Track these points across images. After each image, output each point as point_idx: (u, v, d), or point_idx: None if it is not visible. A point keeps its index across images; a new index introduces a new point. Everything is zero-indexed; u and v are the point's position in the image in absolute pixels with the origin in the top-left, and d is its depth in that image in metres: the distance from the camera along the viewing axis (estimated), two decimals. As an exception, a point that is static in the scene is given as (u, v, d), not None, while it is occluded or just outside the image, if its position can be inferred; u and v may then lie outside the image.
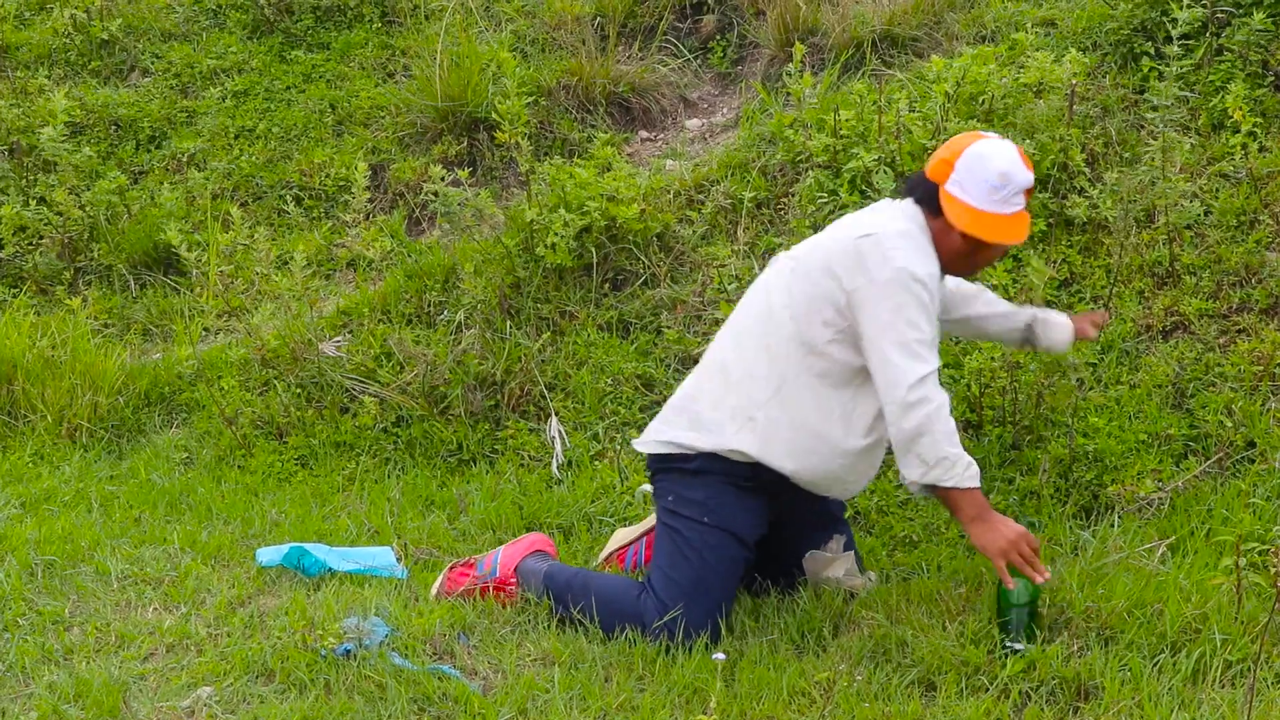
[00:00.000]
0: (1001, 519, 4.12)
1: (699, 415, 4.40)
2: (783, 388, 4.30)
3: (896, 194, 4.53)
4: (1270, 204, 5.57)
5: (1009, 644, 4.02)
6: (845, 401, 4.29)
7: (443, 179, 6.34)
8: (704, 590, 4.33)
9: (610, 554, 4.81)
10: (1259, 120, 5.73)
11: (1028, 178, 4.26)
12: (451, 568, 4.70)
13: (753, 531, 4.42)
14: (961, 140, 4.35)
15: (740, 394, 4.34)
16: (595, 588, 4.46)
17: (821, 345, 4.26)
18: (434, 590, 4.65)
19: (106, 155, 7.81)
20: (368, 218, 6.92)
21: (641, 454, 5.52)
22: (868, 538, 5.05)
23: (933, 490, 4.13)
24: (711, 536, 4.36)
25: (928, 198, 4.32)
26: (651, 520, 4.69)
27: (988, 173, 4.24)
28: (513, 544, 4.72)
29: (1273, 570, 3.93)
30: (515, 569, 4.61)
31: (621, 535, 4.86)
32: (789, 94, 6.55)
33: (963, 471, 4.09)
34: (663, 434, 4.46)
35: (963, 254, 4.32)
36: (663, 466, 4.47)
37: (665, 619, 4.28)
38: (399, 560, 4.94)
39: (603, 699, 3.99)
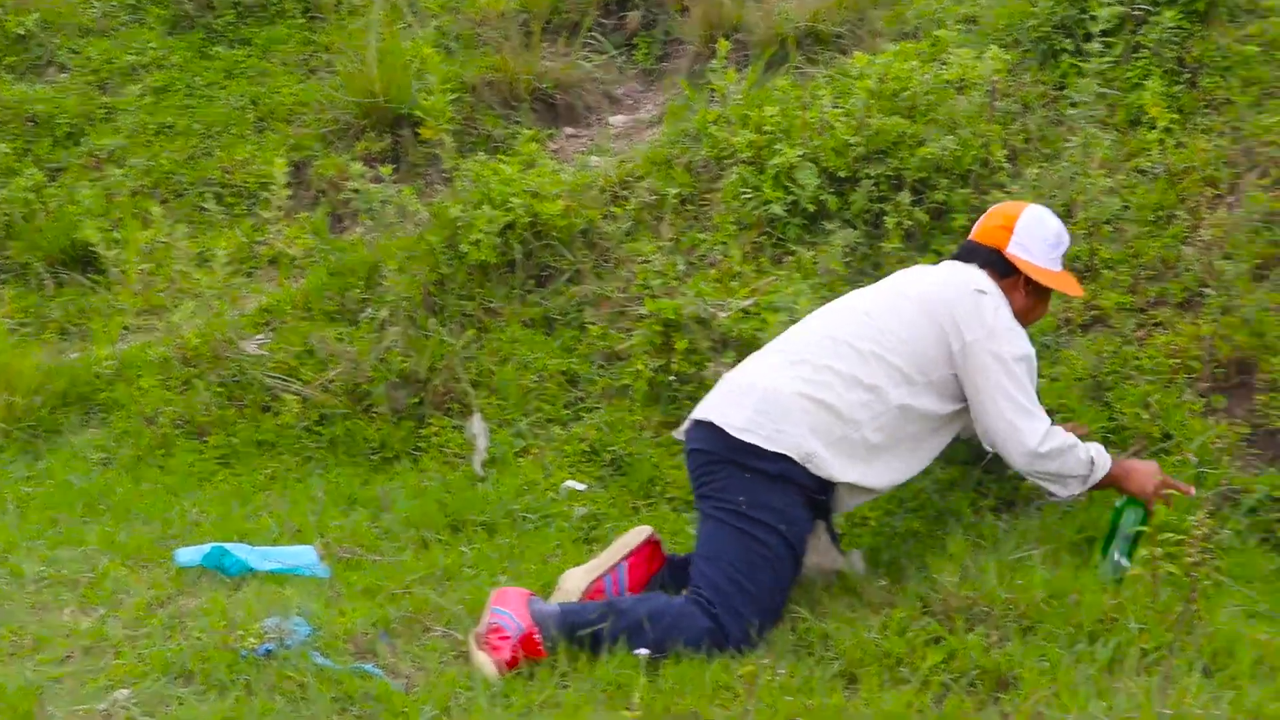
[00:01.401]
0: (1139, 464, 4.52)
1: (804, 424, 4.32)
2: (881, 416, 4.37)
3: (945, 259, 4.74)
4: (1186, 199, 5.63)
5: (1118, 562, 4.37)
6: (925, 436, 4.47)
7: (365, 175, 6.30)
8: (776, 603, 4.29)
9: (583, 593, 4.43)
10: (1175, 116, 5.80)
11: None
12: (484, 644, 4.18)
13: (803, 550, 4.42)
14: (1010, 207, 4.72)
15: (844, 417, 4.34)
16: (644, 609, 4.21)
17: (921, 383, 4.41)
18: (494, 671, 4.12)
19: (23, 152, 7.70)
20: (289, 215, 6.86)
21: (565, 451, 5.54)
22: (791, 532, 5.05)
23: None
24: (784, 549, 4.30)
25: (992, 263, 4.59)
26: (606, 560, 4.47)
27: (1047, 232, 4.62)
28: (501, 594, 4.29)
29: (1187, 560, 3.98)
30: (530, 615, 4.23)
31: (577, 577, 4.46)
32: (713, 90, 6.56)
33: (1102, 464, 4.43)
34: (761, 426, 4.33)
35: (1023, 312, 4.60)
36: (740, 461, 4.32)
37: (753, 630, 4.18)
38: (321, 559, 4.90)
39: (526, 696, 3.98)
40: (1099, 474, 4.43)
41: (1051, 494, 4.50)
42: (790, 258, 5.89)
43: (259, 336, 6.19)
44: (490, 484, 5.48)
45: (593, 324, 5.97)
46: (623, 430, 5.58)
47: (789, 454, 4.28)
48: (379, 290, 6.23)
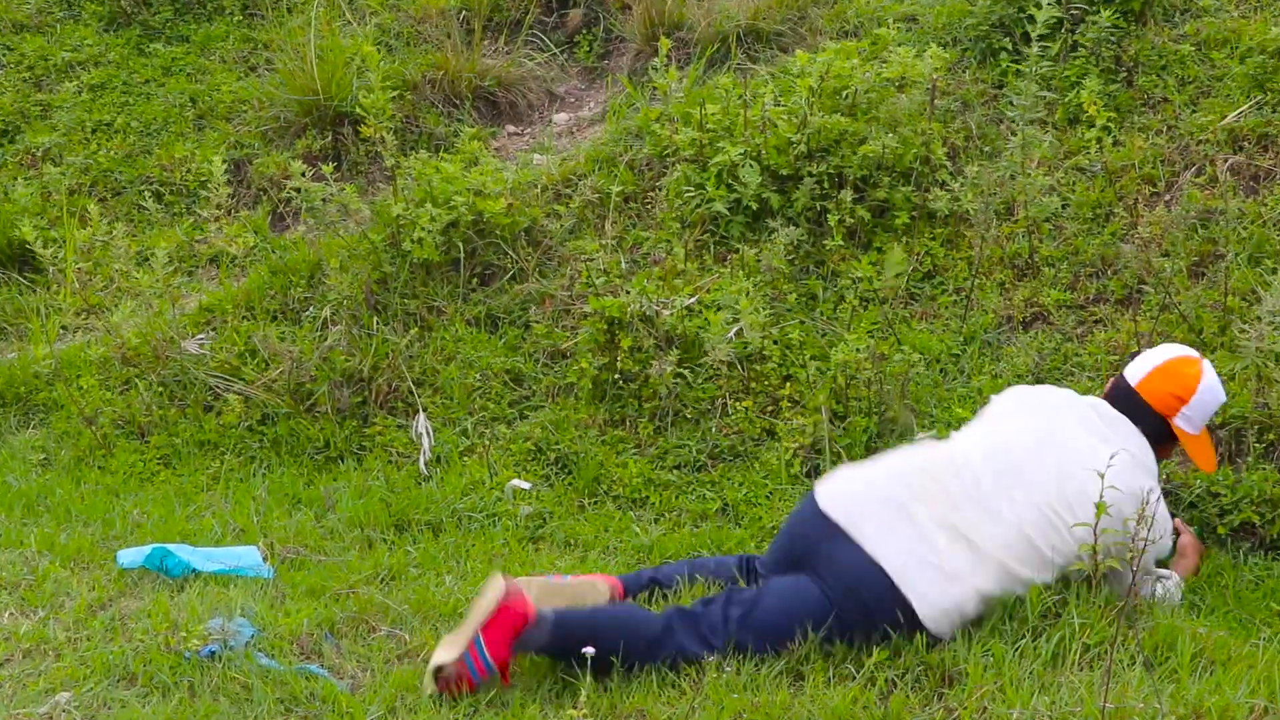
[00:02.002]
0: (1191, 558, 4.65)
1: (961, 608, 4.09)
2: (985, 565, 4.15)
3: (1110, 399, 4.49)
4: (1124, 197, 5.69)
5: None
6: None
7: (306, 174, 6.26)
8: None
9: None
10: (1113, 115, 5.86)
11: None
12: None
13: None
14: (1189, 371, 4.42)
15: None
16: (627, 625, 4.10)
17: (1045, 558, 4.19)
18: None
19: (-43, 150, 7.61)
20: (230, 213, 6.82)
21: (510, 450, 5.54)
22: (736, 529, 5.08)
23: None
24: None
25: (1154, 429, 4.38)
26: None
27: (1214, 405, 4.48)
28: (491, 623, 4.00)
29: (1128, 554, 4.02)
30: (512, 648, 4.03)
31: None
32: (655, 88, 6.57)
33: (1180, 587, 4.46)
34: (939, 613, 4.07)
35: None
36: (890, 608, 4.06)
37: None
38: (265, 560, 4.88)
39: (472, 696, 3.97)
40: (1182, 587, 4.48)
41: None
42: (733, 255, 5.91)
43: (200, 336, 6.15)
44: (435, 483, 5.47)
45: (537, 322, 5.97)
46: (568, 429, 5.58)
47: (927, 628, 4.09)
48: (321, 289, 6.20)
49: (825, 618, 4.07)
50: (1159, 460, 4.41)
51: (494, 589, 4.02)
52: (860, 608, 4.06)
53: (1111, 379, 4.58)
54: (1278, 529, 4.76)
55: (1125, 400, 4.43)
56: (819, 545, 4.16)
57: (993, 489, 4.19)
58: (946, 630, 4.07)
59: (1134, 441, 4.34)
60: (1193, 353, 4.50)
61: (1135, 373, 4.46)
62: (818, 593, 4.10)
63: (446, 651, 4.00)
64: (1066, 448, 4.23)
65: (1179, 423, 4.43)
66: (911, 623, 4.05)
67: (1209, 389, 4.44)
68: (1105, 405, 4.42)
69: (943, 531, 4.12)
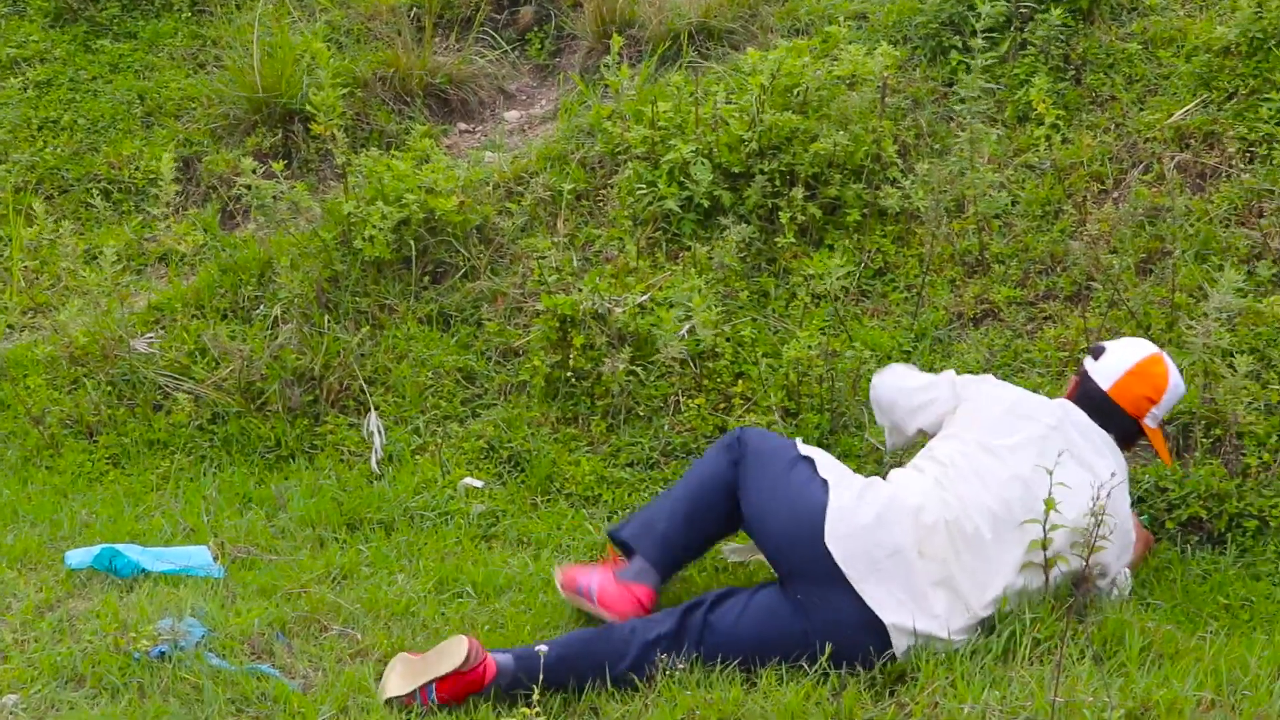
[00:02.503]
0: (1140, 552, 4.58)
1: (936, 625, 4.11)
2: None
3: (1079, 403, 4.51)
4: (1073, 194, 5.74)
5: None
6: None
7: (256, 171, 6.23)
8: None
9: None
10: (1061, 113, 5.90)
11: None
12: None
13: None
14: (1158, 373, 4.50)
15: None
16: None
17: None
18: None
19: (-99, 147, 7.51)
20: (179, 211, 6.77)
21: (462, 448, 5.53)
22: (689, 526, 5.08)
23: None
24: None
25: (1124, 430, 4.49)
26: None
27: (1178, 399, 4.59)
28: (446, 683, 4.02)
29: (1079, 550, 4.06)
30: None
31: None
32: (607, 86, 6.57)
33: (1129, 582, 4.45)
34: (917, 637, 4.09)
35: None
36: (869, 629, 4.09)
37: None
38: (215, 559, 4.85)
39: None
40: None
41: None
42: (685, 253, 5.92)
43: (149, 335, 6.10)
44: (387, 482, 5.45)
45: (489, 320, 5.96)
46: (520, 427, 5.58)
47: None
48: (272, 287, 6.16)
49: (798, 648, 4.06)
50: None
51: (456, 653, 4.00)
52: (839, 642, 4.04)
53: (1075, 380, 4.60)
54: (1224, 523, 4.81)
55: (1098, 406, 4.47)
56: (815, 582, 4.10)
57: (994, 541, 4.16)
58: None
59: (1117, 460, 4.41)
60: (1153, 348, 4.56)
61: (1105, 376, 4.50)
62: (799, 630, 4.07)
63: (398, 684, 4.03)
64: (1064, 489, 4.11)
65: (1148, 422, 4.51)
66: (883, 653, 4.05)
67: (1176, 386, 4.54)
68: (1080, 415, 4.44)
69: (941, 590, 4.10)
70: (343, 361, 5.87)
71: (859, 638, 4.03)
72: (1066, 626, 4.00)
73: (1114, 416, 4.47)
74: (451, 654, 4.00)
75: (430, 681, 3.99)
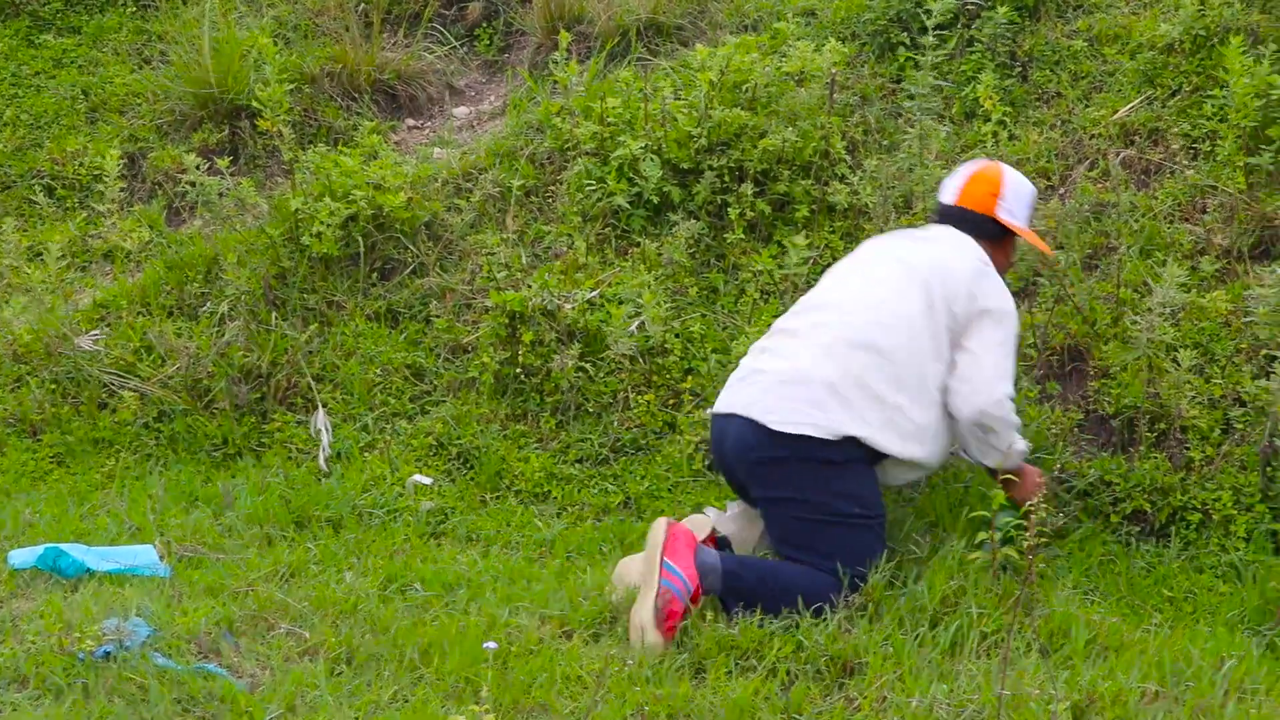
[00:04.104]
0: (1031, 469, 4.67)
1: (855, 409, 4.40)
2: (924, 396, 4.47)
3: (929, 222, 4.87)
4: (1020, 190, 5.76)
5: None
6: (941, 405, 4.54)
7: (202, 168, 6.19)
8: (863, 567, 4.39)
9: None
10: (1008, 110, 5.94)
11: None
12: (660, 623, 4.18)
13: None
14: (989, 172, 4.83)
15: (889, 402, 4.42)
16: (782, 578, 4.35)
17: (946, 356, 4.51)
18: (659, 649, 4.15)
19: None
20: (124, 208, 6.71)
21: (411, 445, 5.50)
22: (638, 523, 5.09)
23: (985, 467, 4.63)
24: (877, 528, 4.44)
25: (984, 230, 4.75)
26: (651, 567, 4.29)
27: (1027, 194, 4.84)
28: (669, 545, 4.28)
29: (1025, 544, 4.08)
30: (696, 567, 4.29)
31: (636, 567, 4.44)
32: (556, 82, 6.56)
33: (1019, 454, 4.57)
34: (816, 419, 4.40)
35: (1002, 271, 4.75)
36: (804, 455, 4.40)
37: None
38: (162, 558, 4.81)
39: (374, 692, 3.95)
40: (1011, 463, 4.54)
41: (966, 451, 4.60)
42: (635, 249, 5.92)
43: (94, 332, 6.05)
44: (335, 479, 5.42)
45: (438, 317, 5.94)
46: (470, 423, 5.56)
47: (854, 436, 4.38)
48: (219, 284, 6.12)
49: None
50: (1003, 270, 4.75)
51: (657, 526, 4.32)
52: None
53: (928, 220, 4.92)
54: (1166, 515, 4.86)
55: (948, 216, 4.82)
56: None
57: (826, 306, 4.65)
58: (832, 427, 4.38)
59: (956, 236, 4.72)
60: (988, 160, 4.93)
61: (948, 193, 4.85)
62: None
63: (642, 599, 4.21)
64: (887, 260, 4.70)
65: (1003, 215, 4.77)
66: (806, 444, 4.38)
67: (1016, 179, 4.83)
68: (948, 231, 4.77)
69: (778, 347, 4.61)
70: (290, 359, 5.84)
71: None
72: (1013, 620, 4.02)
73: (967, 220, 4.75)
74: (655, 532, 4.32)
75: (661, 557, 4.23)
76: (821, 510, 4.38)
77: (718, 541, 4.58)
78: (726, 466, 4.62)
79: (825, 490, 4.38)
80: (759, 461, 4.44)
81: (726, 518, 4.69)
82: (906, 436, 4.43)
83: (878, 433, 4.40)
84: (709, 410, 4.83)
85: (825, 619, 4.17)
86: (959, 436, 4.55)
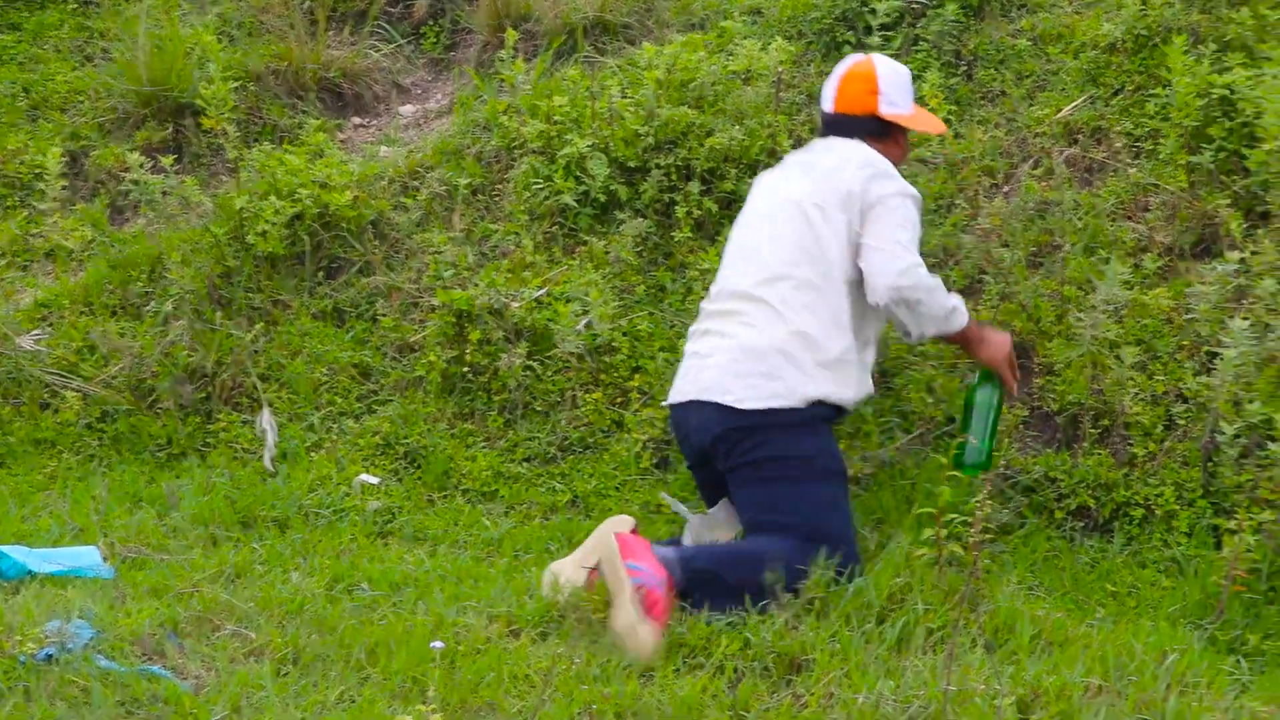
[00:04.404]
0: (994, 333, 4.75)
1: (805, 366, 4.48)
2: (839, 327, 4.55)
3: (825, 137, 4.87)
4: (965, 188, 5.80)
5: (975, 445, 4.65)
6: (864, 325, 4.64)
7: (145, 166, 6.14)
8: (849, 536, 4.46)
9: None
10: (954, 108, 5.97)
11: None
12: (647, 614, 4.17)
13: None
14: (862, 69, 4.84)
15: (819, 343, 4.52)
16: (743, 551, 4.42)
17: (855, 279, 4.58)
18: (654, 647, 4.12)
19: None
20: (66, 206, 6.65)
21: (358, 444, 5.48)
22: (586, 521, 5.09)
23: (942, 337, 4.69)
24: (835, 485, 4.52)
25: (866, 130, 4.78)
26: (592, 550, 4.40)
27: (904, 80, 4.87)
28: (625, 550, 4.28)
29: (970, 540, 4.10)
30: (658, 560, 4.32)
31: (569, 568, 4.46)
32: (503, 80, 6.54)
33: (960, 317, 4.60)
34: (774, 389, 4.47)
35: (896, 162, 4.80)
36: (763, 422, 4.46)
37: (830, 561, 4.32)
38: (105, 560, 4.77)
39: (320, 693, 3.93)
40: (955, 324, 4.59)
41: (904, 332, 4.63)
42: (582, 248, 5.92)
43: (36, 332, 5.99)
44: (281, 479, 5.40)
45: (384, 316, 5.92)
46: (417, 423, 5.55)
47: (818, 398, 4.47)
48: (163, 283, 6.08)
49: None
50: (901, 160, 4.85)
51: (604, 538, 4.35)
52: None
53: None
54: (1109, 510, 4.90)
55: (832, 126, 4.85)
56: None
57: (743, 264, 4.72)
58: (792, 392, 4.47)
59: (840, 146, 4.75)
60: (858, 56, 4.93)
61: (827, 101, 4.87)
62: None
63: (618, 606, 4.18)
64: (782, 202, 4.73)
65: (885, 110, 4.78)
66: (771, 415, 4.47)
67: (889, 69, 4.85)
68: (828, 142, 4.82)
69: (717, 324, 4.67)
70: (236, 358, 5.81)
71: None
72: (959, 616, 4.04)
73: (850, 125, 4.78)
74: (618, 524, 4.43)
75: (620, 563, 4.24)
76: (794, 466, 4.45)
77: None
78: (693, 452, 4.69)
79: (795, 447, 4.46)
80: (728, 431, 4.51)
81: (704, 521, 4.68)
82: (847, 383, 4.54)
83: (833, 388, 4.49)
84: (665, 403, 4.86)
85: (773, 616, 4.18)
86: (897, 327, 4.62)
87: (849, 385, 4.56)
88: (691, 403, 4.60)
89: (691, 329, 4.82)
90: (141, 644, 4.16)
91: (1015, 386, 4.78)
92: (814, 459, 4.48)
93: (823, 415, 4.53)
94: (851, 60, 4.92)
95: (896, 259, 4.50)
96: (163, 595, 4.51)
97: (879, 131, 4.79)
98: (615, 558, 4.25)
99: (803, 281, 4.56)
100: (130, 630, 4.19)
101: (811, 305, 4.53)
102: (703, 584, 4.28)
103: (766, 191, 4.87)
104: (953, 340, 4.72)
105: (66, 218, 6.55)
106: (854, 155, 4.70)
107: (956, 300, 4.63)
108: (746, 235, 4.80)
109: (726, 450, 4.53)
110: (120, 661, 4.02)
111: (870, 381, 4.67)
